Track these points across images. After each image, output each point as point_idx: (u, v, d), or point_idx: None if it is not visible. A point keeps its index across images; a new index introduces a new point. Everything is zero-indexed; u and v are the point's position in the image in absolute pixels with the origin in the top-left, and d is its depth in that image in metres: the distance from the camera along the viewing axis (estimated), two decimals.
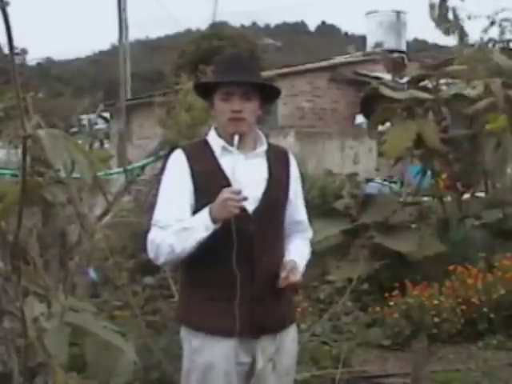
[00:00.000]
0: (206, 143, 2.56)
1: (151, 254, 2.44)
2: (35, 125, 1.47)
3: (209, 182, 2.45)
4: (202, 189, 2.45)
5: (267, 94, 2.58)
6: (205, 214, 2.35)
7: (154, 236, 2.42)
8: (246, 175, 2.44)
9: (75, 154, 1.46)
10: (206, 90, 2.58)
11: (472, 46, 9.52)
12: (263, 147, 2.56)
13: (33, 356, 1.64)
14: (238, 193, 2.32)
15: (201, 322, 2.47)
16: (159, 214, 2.45)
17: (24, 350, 1.58)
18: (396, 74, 7.26)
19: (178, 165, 2.50)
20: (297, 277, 2.46)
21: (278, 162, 2.59)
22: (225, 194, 2.31)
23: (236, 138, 2.44)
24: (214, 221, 2.33)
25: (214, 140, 2.54)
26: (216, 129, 2.57)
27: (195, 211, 2.42)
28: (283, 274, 2.43)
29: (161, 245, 2.39)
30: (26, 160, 1.49)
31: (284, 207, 2.59)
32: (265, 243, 2.47)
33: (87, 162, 1.52)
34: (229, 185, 2.39)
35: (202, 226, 2.34)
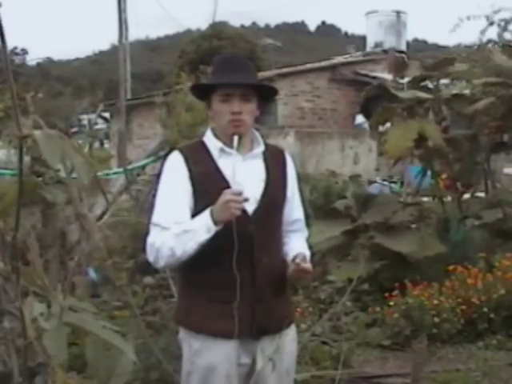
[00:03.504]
0: (202, 145, 2.54)
1: (151, 257, 2.42)
2: (32, 125, 1.46)
3: (207, 183, 2.44)
4: (201, 191, 2.43)
5: (264, 95, 2.57)
6: (206, 216, 2.33)
7: (154, 239, 2.40)
8: (244, 176, 2.43)
9: (71, 156, 1.45)
10: (203, 91, 2.57)
11: (470, 47, 9.54)
12: (260, 148, 2.56)
13: (32, 356, 1.64)
14: (239, 194, 2.30)
15: (202, 323, 2.46)
16: (158, 216, 2.42)
17: (24, 349, 1.58)
18: (398, 73, 7.28)
19: (176, 166, 2.48)
20: (308, 264, 2.44)
21: (274, 162, 2.59)
22: (226, 195, 2.29)
23: (235, 139, 2.43)
24: (215, 223, 2.31)
25: (212, 141, 2.52)
26: (212, 129, 2.55)
27: (194, 214, 2.40)
28: (297, 260, 2.42)
29: (161, 248, 2.36)
30: (23, 160, 1.49)
31: (282, 207, 2.58)
32: (265, 244, 2.47)
33: (84, 163, 1.51)
34: (228, 186, 2.37)
35: (203, 229, 2.32)
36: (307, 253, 2.58)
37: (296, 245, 2.60)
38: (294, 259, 2.45)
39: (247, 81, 2.48)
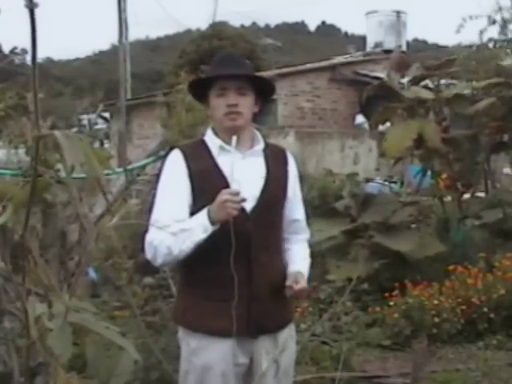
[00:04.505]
0: (203, 143, 2.56)
1: (149, 255, 2.43)
2: (49, 126, 1.47)
3: (207, 181, 2.44)
4: (200, 189, 2.44)
5: (262, 91, 2.58)
6: (203, 215, 2.33)
7: (152, 237, 2.41)
8: (244, 173, 2.43)
9: (89, 156, 1.46)
10: (201, 91, 2.57)
11: (470, 46, 9.54)
12: (260, 145, 2.56)
13: (34, 356, 1.64)
14: (237, 194, 2.30)
15: (198, 322, 2.46)
16: (157, 214, 2.43)
17: (26, 349, 1.58)
18: (400, 72, 7.30)
19: (175, 164, 2.49)
20: (302, 284, 2.46)
21: (275, 160, 2.59)
22: (223, 195, 2.29)
23: (234, 138, 2.44)
24: (212, 222, 2.32)
25: (211, 139, 2.53)
26: (213, 129, 2.56)
27: (193, 212, 2.41)
28: (288, 283, 2.44)
29: (158, 246, 2.38)
30: (37, 160, 1.49)
31: (282, 206, 2.58)
32: (263, 242, 2.46)
33: (98, 164, 1.53)
34: (227, 184, 2.38)
35: (200, 228, 2.33)
36: (304, 265, 2.59)
37: (294, 256, 2.60)
38: (288, 277, 2.48)
39: (241, 73, 2.49)
